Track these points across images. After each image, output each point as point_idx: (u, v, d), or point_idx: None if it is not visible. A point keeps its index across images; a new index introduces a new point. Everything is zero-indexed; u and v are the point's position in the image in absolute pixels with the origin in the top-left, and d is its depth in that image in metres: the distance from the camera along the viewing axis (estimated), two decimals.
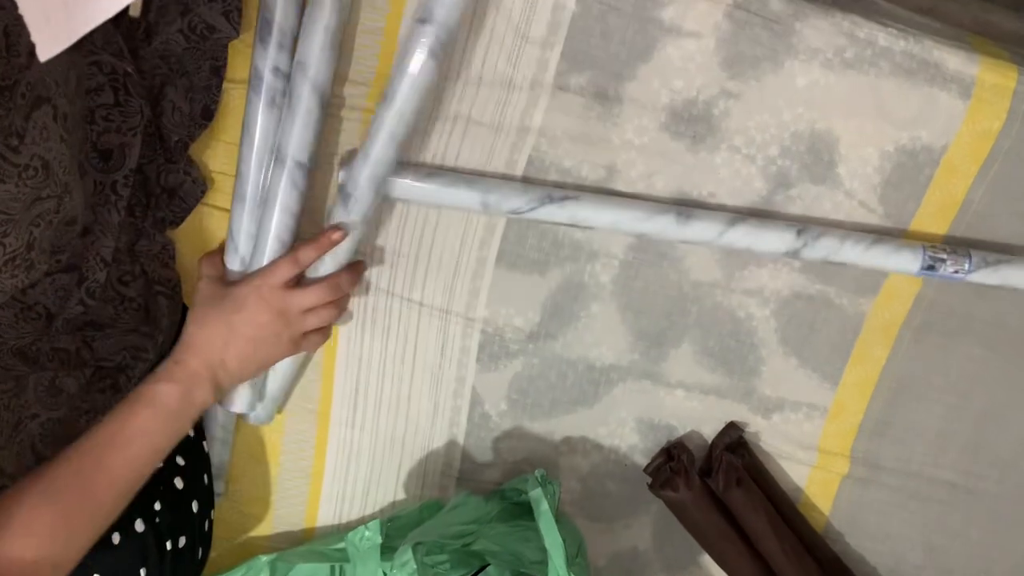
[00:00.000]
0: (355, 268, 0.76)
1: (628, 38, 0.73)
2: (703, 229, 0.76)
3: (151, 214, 0.76)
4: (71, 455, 0.62)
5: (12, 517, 0.58)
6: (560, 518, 0.80)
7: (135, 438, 0.64)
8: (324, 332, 0.77)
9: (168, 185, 0.75)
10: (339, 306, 0.75)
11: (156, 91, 0.72)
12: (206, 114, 0.73)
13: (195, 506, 0.76)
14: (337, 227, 0.71)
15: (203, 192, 0.76)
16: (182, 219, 0.77)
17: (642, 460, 0.89)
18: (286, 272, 0.71)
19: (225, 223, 0.78)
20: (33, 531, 0.58)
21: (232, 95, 0.74)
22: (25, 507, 0.59)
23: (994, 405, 0.89)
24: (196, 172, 0.75)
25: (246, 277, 0.72)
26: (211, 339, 0.69)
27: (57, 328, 0.70)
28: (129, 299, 0.74)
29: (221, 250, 0.76)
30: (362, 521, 0.90)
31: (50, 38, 0.45)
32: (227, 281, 0.73)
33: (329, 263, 0.73)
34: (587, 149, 0.77)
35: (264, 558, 0.85)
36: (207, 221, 0.78)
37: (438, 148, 0.76)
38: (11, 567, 0.56)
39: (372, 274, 0.81)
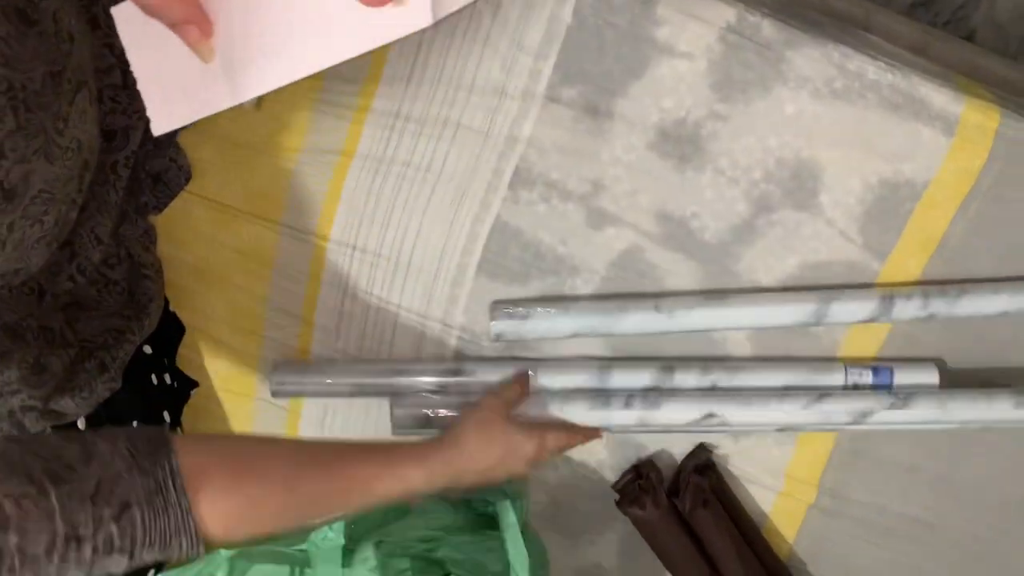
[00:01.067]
0: (586, 435, 0.81)
1: (622, 54, 0.74)
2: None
3: (134, 198, 0.75)
4: (322, 471, 0.63)
5: (250, 481, 0.57)
6: (526, 531, 0.80)
7: (370, 496, 0.66)
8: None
9: (153, 170, 0.75)
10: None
11: None
12: None
13: None
14: (599, 431, 0.81)
15: (187, 179, 0.76)
16: (165, 205, 0.76)
17: (611, 476, 0.89)
18: (562, 447, 0.79)
19: (208, 212, 0.77)
20: (256, 506, 0.58)
21: None
22: (266, 483, 0.59)
23: (961, 442, 0.90)
24: (183, 159, 0.75)
25: (533, 431, 0.76)
26: (479, 463, 0.73)
27: (47, 305, 0.69)
28: (113, 282, 0.74)
29: (526, 379, 0.81)
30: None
31: (165, 117, 0.51)
32: (517, 414, 0.78)
33: None
34: (575, 162, 0.78)
35: (224, 553, 0.83)
36: (190, 208, 0.78)
37: (426, 151, 0.76)
38: (207, 520, 0.55)
39: (351, 276, 0.80)
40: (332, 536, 0.77)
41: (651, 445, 0.88)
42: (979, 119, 0.77)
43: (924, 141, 0.77)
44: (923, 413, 0.82)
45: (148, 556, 0.52)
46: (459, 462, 0.71)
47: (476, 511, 0.86)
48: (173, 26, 0.48)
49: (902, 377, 0.83)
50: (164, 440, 0.53)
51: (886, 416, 0.81)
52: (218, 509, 0.55)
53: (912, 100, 0.76)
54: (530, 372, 0.81)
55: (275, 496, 0.59)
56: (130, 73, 0.68)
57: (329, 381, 0.81)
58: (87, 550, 0.49)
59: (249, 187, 0.77)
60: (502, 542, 0.78)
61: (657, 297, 0.81)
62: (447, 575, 0.83)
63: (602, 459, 0.88)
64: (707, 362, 0.83)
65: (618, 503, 0.87)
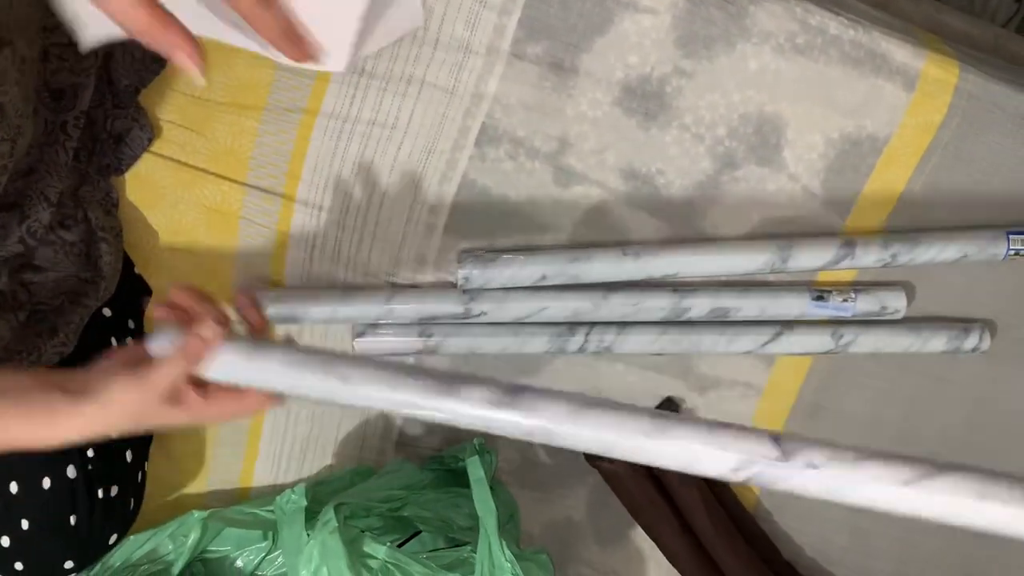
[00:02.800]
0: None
1: (586, 10, 0.74)
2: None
3: (95, 159, 0.74)
4: None
5: None
6: (495, 486, 0.81)
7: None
8: None
9: (115, 131, 0.74)
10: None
11: None
12: (158, 60, 0.72)
13: (129, 456, 0.75)
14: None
15: (150, 140, 0.75)
16: (128, 166, 0.75)
17: None
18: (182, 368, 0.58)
19: (172, 173, 0.77)
20: None
21: None
22: None
23: (921, 393, 0.92)
24: (144, 119, 0.74)
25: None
26: (129, 418, 0.55)
27: None
28: (70, 243, 0.73)
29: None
30: (299, 482, 0.89)
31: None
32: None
33: None
34: (541, 119, 0.78)
35: (197, 514, 0.84)
36: (154, 169, 0.77)
37: (391, 109, 0.76)
38: None
39: (319, 235, 0.80)
40: (295, 499, 0.78)
41: (621, 399, 0.89)
42: (939, 74, 0.78)
43: (885, 96, 0.78)
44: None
45: None
46: (116, 414, 0.53)
47: (447, 467, 0.88)
48: (156, 45, 0.46)
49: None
50: None
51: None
52: None
53: (873, 55, 0.77)
54: None
55: None
56: None
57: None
58: None
59: (213, 147, 0.77)
60: (468, 497, 0.79)
61: (624, 244, 0.82)
62: (416, 532, 0.85)
63: None
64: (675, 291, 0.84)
65: (587, 456, 0.88)
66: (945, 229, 0.83)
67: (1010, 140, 0.81)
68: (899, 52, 0.77)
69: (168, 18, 0.45)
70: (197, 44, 0.46)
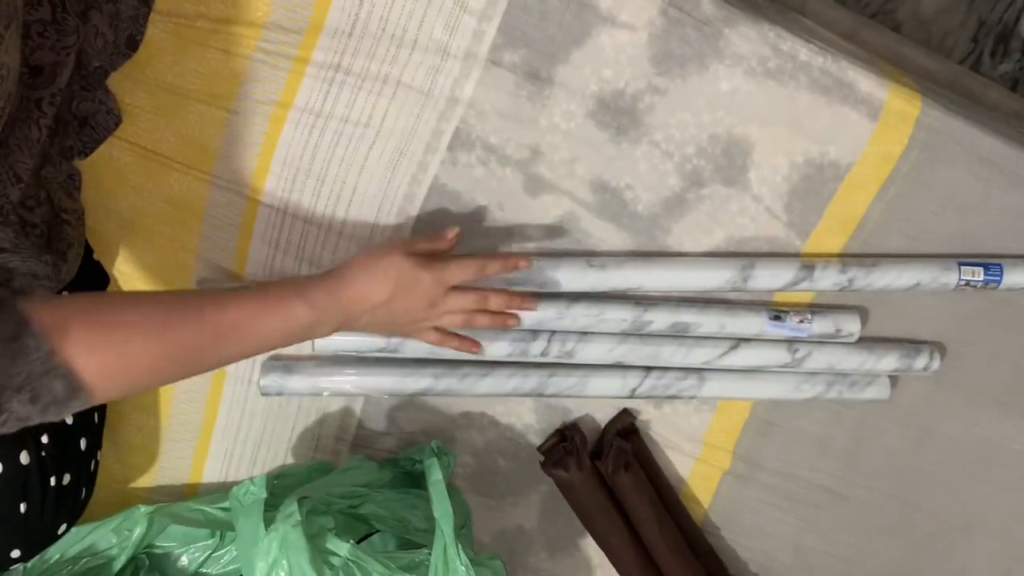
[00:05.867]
0: (507, 295, 0.76)
1: (565, 21, 0.74)
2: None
3: (58, 140, 0.73)
4: (193, 316, 0.59)
5: (114, 329, 0.55)
6: (451, 490, 0.81)
7: (252, 338, 0.62)
8: (442, 333, 0.77)
9: (81, 113, 0.72)
10: (471, 318, 0.75)
11: (80, 14, 0.69)
12: (130, 44, 0.71)
13: (83, 444, 0.73)
14: (525, 256, 0.75)
15: (116, 124, 0.73)
16: (92, 149, 0.74)
17: (536, 440, 0.90)
18: (469, 276, 0.73)
19: (137, 160, 0.75)
20: (126, 355, 0.55)
21: (159, 27, 0.72)
22: (134, 332, 0.55)
23: (870, 416, 0.94)
24: (112, 102, 0.73)
25: (432, 263, 0.71)
26: (369, 296, 0.68)
27: None
28: (32, 224, 0.71)
29: (440, 243, 0.75)
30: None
31: None
32: (411, 254, 0.71)
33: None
34: (514, 127, 0.78)
35: (143, 509, 0.82)
36: (118, 155, 0.76)
37: (365, 107, 0.75)
38: (84, 372, 0.52)
39: (283, 231, 0.79)
40: (254, 490, 0.77)
41: (577, 410, 0.90)
42: (902, 105, 0.80)
43: (850, 124, 0.80)
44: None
45: (20, 406, 0.50)
46: (344, 292, 0.67)
47: (403, 469, 0.87)
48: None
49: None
50: (4, 298, 0.51)
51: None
52: (92, 361, 0.52)
53: (841, 84, 0.79)
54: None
55: (145, 344, 0.55)
56: (58, 7, 0.65)
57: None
58: None
59: (181, 135, 0.75)
60: (425, 499, 0.78)
61: (589, 255, 0.83)
62: (372, 532, 0.84)
63: (529, 423, 0.90)
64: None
65: (542, 464, 0.89)
66: (901, 256, 0.85)
67: (965, 174, 0.84)
68: (865, 82, 0.79)
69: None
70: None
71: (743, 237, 0.84)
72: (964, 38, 1.35)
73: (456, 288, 0.73)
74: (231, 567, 0.86)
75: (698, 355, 0.85)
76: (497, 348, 0.82)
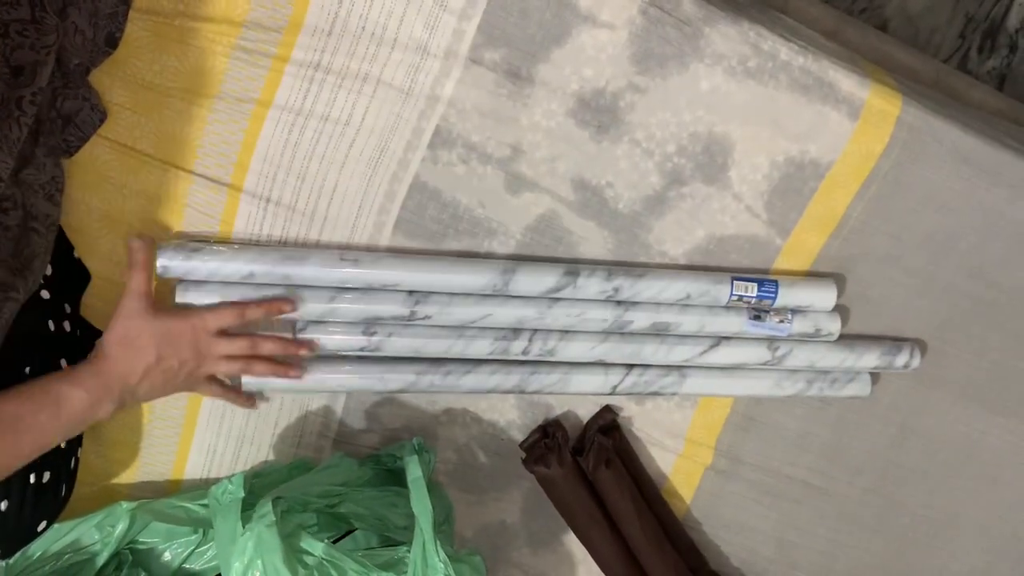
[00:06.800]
0: (281, 341, 0.77)
1: (545, 20, 0.74)
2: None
3: (43, 140, 0.72)
4: None
5: None
6: (432, 486, 0.81)
7: (28, 432, 0.63)
8: (220, 385, 0.79)
9: (64, 111, 0.72)
10: (248, 365, 0.76)
11: (58, 11, 0.69)
12: (110, 41, 0.71)
13: (63, 442, 0.74)
14: (290, 300, 0.75)
15: (101, 120, 0.73)
16: (77, 148, 0.74)
17: (518, 436, 0.91)
18: (228, 321, 0.73)
19: (118, 157, 0.75)
20: None
21: (139, 24, 0.71)
22: None
23: (850, 412, 0.95)
24: (95, 99, 0.73)
25: (183, 311, 0.72)
26: (134, 364, 0.69)
27: None
28: (5, 227, 0.71)
29: (150, 268, 0.73)
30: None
31: None
32: (156, 305, 0.72)
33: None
34: (495, 126, 0.78)
35: (125, 505, 0.83)
36: (99, 153, 0.75)
37: (345, 105, 0.75)
38: None
39: (264, 228, 0.79)
40: (232, 489, 0.77)
41: (559, 407, 0.91)
42: (883, 105, 0.80)
43: (830, 123, 0.80)
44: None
45: None
46: (111, 369, 0.68)
47: (385, 466, 0.88)
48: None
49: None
50: None
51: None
52: None
53: (821, 83, 0.79)
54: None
55: None
56: (38, 6, 0.65)
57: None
58: None
59: (162, 133, 0.75)
60: (405, 497, 0.79)
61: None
62: (351, 530, 0.85)
63: (511, 419, 0.90)
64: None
65: (524, 461, 0.89)
66: (671, 268, 0.85)
67: (946, 173, 0.84)
68: (846, 81, 0.79)
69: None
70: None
71: (724, 235, 0.84)
72: (951, 34, 1.35)
73: (224, 333, 0.74)
74: (213, 563, 0.87)
75: (679, 353, 0.85)
76: (479, 346, 0.82)
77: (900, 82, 0.85)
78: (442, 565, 0.72)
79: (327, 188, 0.78)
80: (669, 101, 0.78)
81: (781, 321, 0.84)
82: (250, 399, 0.82)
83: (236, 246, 0.77)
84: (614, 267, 0.83)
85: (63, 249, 0.78)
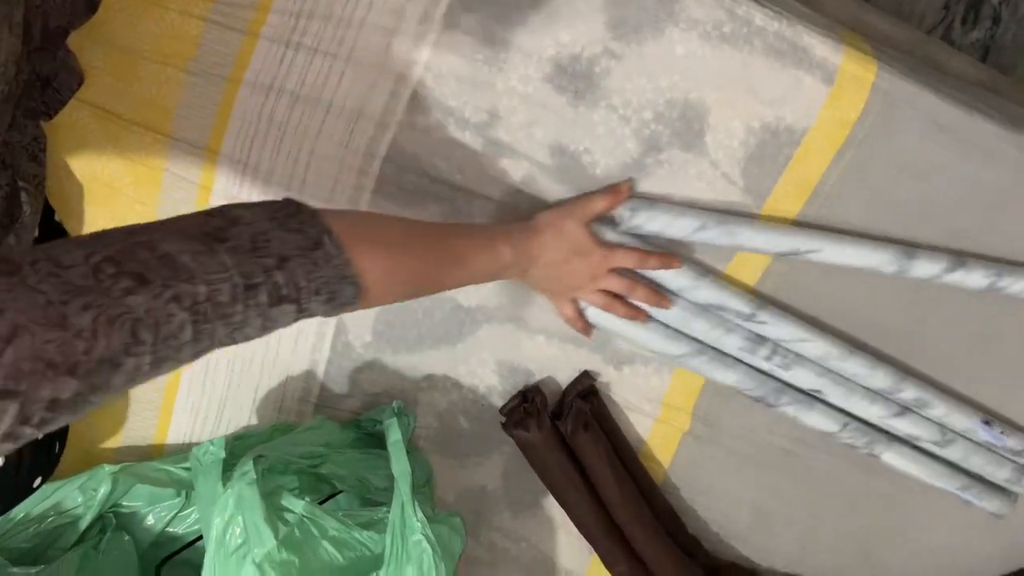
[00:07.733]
0: (653, 291, 0.83)
1: None
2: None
3: (22, 102, 0.73)
4: (437, 241, 0.67)
5: (387, 242, 0.61)
6: (412, 450, 0.83)
7: (466, 267, 0.69)
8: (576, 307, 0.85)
9: (43, 73, 0.73)
10: (612, 303, 0.82)
11: None
12: (90, 5, 0.71)
13: None
14: (678, 257, 0.83)
15: (79, 83, 0.74)
16: (56, 111, 0.74)
17: (499, 401, 0.92)
18: (630, 263, 0.81)
19: (96, 121, 0.76)
20: (394, 267, 0.61)
21: None
22: (399, 246, 0.62)
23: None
24: (73, 62, 0.73)
25: (604, 242, 0.80)
26: (551, 250, 0.77)
27: None
28: None
29: (614, 204, 0.81)
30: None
31: None
32: (591, 226, 0.80)
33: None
34: (472, 91, 0.79)
35: (108, 468, 0.84)
36: (77, 116, 0.76)
37: (322, 69, 0.76)
38: (367, 276, 0.58)
39: (243, 190, 0.80)
40: (213, 450, 0.78)
41: (539, 373, 0.91)
42: (857, 70, 0.81)
43: (804, 89, 0.81)
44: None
45: (316, 306, 0.55)
46: (534, 242, 0.76)
47: (365, 430, 0.89)
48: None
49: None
50: (299, 206, 0.56)
51: None
52: (372, 269, 0.58)
53: (795, 48, 0.79)
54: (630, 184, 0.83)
55: (406, 258, 0.63)
56: None
57: None
58: (263, 295, 0.50)
59: (138, 97, 0.76)
60: (386, 459, 0.80)
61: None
62: (334, 494, 0.86)
63: (491, 384, 0.91)
64: None
65: (504, 425, 0.90)
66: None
67: (922, 140, 0.85)
68: (820, 47, 0.80)
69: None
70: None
71: (701, 201, 0.85)
72: (936, 5, 1.35)
73: (614, 271, 0.80)
74: (196, 527, 0.88)
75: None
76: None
77: (876, 48, 0.85)
78: (419, 524, 0.73)
79: (304, 151, 0.79)
80: (645, 67, 0.79)
81: (1002, 432, 0.92)
82: (589, 328, 0.86)
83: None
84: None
85: (45, 213, 0.79)
